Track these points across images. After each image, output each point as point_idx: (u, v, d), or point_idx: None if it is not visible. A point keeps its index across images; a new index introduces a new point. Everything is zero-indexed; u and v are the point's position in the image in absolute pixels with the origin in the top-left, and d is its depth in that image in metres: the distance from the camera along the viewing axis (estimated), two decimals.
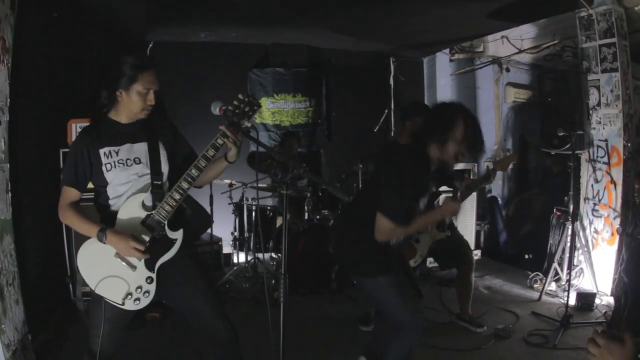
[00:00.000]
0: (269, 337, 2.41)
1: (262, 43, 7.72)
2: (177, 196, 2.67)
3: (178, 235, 2.76)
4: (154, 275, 2.70)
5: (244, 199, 6.36)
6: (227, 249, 6.94)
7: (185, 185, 2.67)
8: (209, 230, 6.40)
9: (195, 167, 2.67)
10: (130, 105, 2.69)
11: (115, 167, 2.68)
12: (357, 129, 8.02)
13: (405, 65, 8.58)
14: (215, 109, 2.65)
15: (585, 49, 5.57)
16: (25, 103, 4.17)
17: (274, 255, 6.58)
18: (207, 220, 6.14)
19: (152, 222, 2.67)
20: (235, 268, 6.64)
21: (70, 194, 2.71)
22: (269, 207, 6.71)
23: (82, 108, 5.44)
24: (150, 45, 6.93)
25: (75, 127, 4.94)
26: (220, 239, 6.59)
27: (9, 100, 3.66)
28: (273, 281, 5.84)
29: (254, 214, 6.34)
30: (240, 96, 2.65)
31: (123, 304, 2.63)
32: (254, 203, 6.33)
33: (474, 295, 4.92)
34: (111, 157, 2.69)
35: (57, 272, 4.88)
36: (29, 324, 3.77)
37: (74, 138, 4.92)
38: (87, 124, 4.72)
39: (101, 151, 2.68)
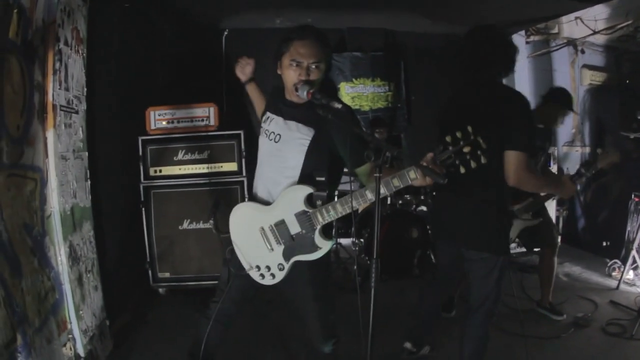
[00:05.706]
0: (358, 323, 2.31)
1: (338, 27, 7.57)
2: (344, 211, 2.53)
3: (324, 245, 2.59)
4: (286, 265, 2.62)
5: None
6: None
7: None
8: None
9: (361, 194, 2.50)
10: (286, 79, 2.59)
11: (262, 134, 2.69)
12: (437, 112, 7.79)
13: None
14: (303, 93, 2.46)
15: None
16: (102, 92, 4.25)
17: (356, 240, 6.51)
18: None
19: (304, 219, 2.56)
20: None
21: None
22: None
23: (158, 96, 5.53)
24: (225, 33, 6.94)
25: (154, 115, 5.01)
26: None
27: (85, 89, 3.72)
28: (355, 267, 5.76)
29: (336, 198, 6.22)
30: (469, 129, 2.16)
31: (249, 269, 2.67)
32: None
33: (554, 282, 4.78)
34: (265, 123, 2.71)
35: (136, 258, 4.97)
36: (107, 309, 3.86)
37: (152, 126, 4.99)
38: (165, 110, 4.82)
39: (265, 115, 2.73)
